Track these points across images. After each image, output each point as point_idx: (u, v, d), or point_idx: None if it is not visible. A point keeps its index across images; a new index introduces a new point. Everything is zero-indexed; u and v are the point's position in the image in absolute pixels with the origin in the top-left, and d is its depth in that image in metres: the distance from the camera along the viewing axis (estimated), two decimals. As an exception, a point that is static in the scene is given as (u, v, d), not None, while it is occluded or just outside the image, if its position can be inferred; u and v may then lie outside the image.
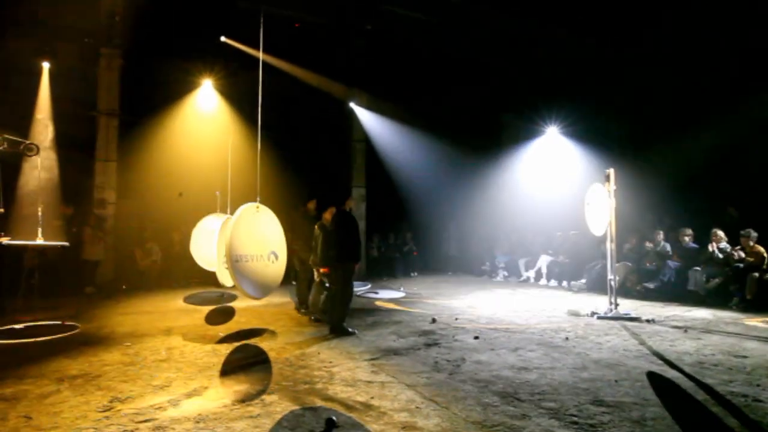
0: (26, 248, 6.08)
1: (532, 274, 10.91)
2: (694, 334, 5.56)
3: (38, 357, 4.42)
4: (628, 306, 7.21)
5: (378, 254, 11.70)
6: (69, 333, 5.42)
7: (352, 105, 11.49)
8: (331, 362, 4.35)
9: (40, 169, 7.38)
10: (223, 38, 9.54)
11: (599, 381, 3.83)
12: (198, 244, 7.18)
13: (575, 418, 3.10)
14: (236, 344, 5.04)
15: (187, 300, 7.82)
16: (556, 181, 11.80)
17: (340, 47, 11.47)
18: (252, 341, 5.19)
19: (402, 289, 9.37)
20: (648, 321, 6.24)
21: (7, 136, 5.82)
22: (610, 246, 6.76)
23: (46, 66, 9.06)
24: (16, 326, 5.51)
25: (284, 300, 7.79)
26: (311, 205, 6.64)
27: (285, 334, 5.51)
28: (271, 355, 4.64)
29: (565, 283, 10.03)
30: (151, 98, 10.31)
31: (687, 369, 4.16)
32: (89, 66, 9.72)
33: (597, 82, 10.92)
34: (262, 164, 6.06)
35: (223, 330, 5.69)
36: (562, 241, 10.68)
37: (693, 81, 9.41)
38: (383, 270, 11.43)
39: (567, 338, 5.34)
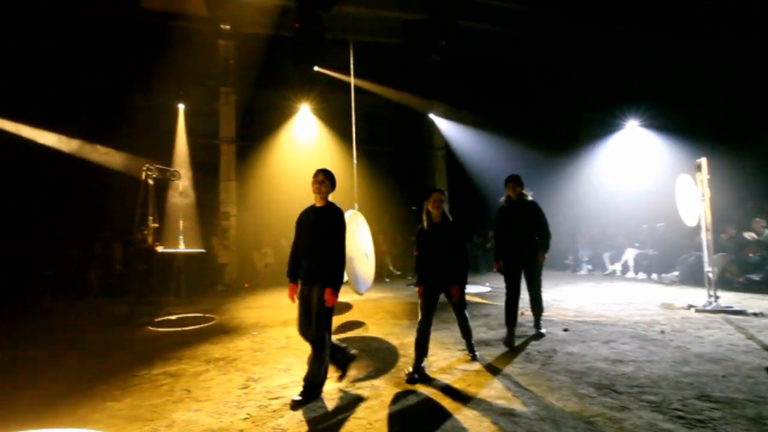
0: (175, 254, 6.90)
1: (618, 267, 10.05)
2: (813, 328, 4.76)
3: (190, 342, 5.00)
4: (729, 299, 6.36)
5: (462, 252, 11.55)
6: (209, 323, 6.05)
7: (431, 116, 11.50)
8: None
9: (182, 190, 8.36)
10: (316, 68, 10.07)
11: (704, 376, 3.43)
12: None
13: (680, 413, 2.81)
14: (343, 335, 5.27)
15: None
16: (638, 174, 10.81)
17: (418, 64, 11.53)
18: (356, 332, 5.39)
19: (487, 284, 9.13)
20: (755, 314, 5.46)
21: (158, 165, 6.69)
22: (705, 237, 6.02)
23: (181, 107, 10.23)
24: (171, 317, 6.28)
25: (378, 296, 7.97)
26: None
27: (383, 326, 5.64)
28: (374, 344, 4.79)
29: (654, 276, 9.10)
30: (260, 124, 11.18)
31: (808, 366, 3.58)
32: (211, 103, 10.79)
33: (677, 73, 9.83)
34: (356, 174, 6.28)
35: (330, 322, 5.97)
36: (649, 233, 9.71)
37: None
38: (469, 266, 11.26)
39: (663, 331, 4.85)
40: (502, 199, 4.80)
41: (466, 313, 4.02)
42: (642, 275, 9.45)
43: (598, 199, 11.43)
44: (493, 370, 3.78)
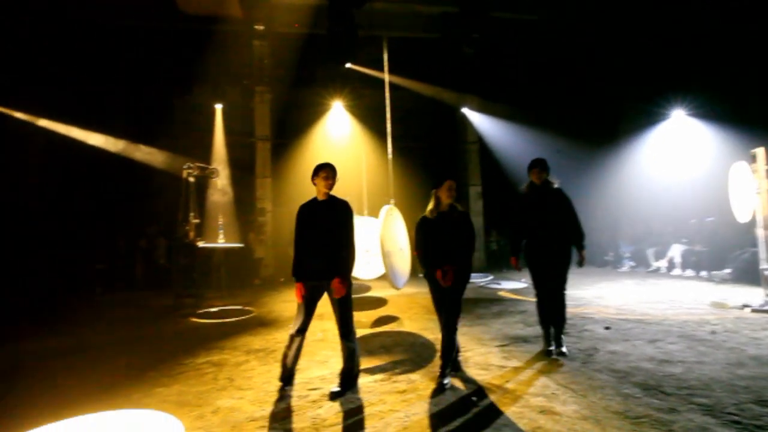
0: (215, 249, 7.15)
1: (663, 263, 9.61)
2: None
3: (230, 334, 5.19)
4: (789, 298, 5.95)
5: (497, 248, 11.38)
6: (248, 316, 6.25)
7: (464, 110, 11.35)
8: (463, 347, 4.35)
9: (220, 188, 8.65)
10: (348, 64, 10.14)
11: (762, 379, 3.24)
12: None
13: (735, 417, 2.67)
14: (378, 329, 5.32)
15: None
16: (685, 166, 10.29)
17: (450, 58, 11.41)
18: (390, 326, 5.42)
19: (523, 280, 8.96)
20: (819, 315, 5.10)
21: (198, 164, 6.95)
22: (762, 232, 5.66)
23: (218, 107, 10.57)
24: (212, 309, 6.53)
25: (412, 291, 7.97)
26: None
27: (418, 320, 5.65)
28: (409, 339, 4.81)
29: (704, 273, 8.64)
30: (294, 122, 11.39)
31: None
32: (247, 102, 11.07)
33: (727, 58, 9.24)
34: (391, 170, 6.29)
35: (365, 317, 6.04)
36: (698, 228, 9.23)
37: None
38: (503, 262, 11.11)
39: (714, 332, 4.61)
40: (524, 186, 4.17)
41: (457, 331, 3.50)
42: (690, 272, 9.00)
43: (642, 193, 10.96)
44: (531, 367, 3.72)
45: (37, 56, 9.21)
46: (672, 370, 3.50)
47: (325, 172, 3.36)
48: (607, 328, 4.90)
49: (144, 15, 9.62)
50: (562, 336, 4.04)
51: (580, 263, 3.99)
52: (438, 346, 4.41)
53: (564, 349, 3.97)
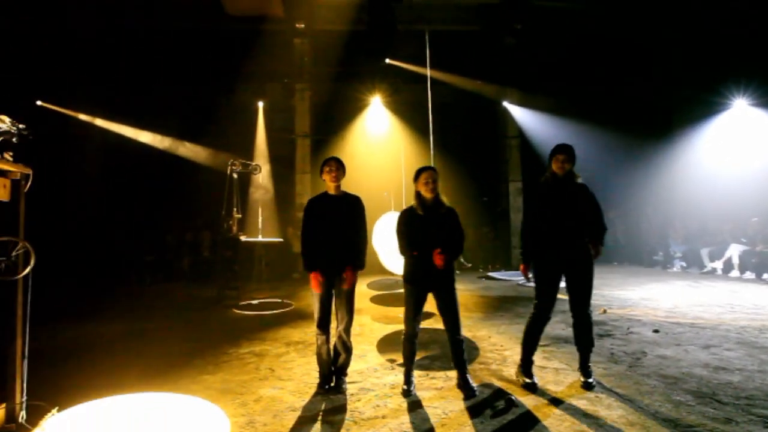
0: (256, 243, 7.39)
1: (719, 265, 9.00)
2: None
3: (271, 325, 5.36)
4: None
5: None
6: (287, 309, 6.41)
7: (504, 103, 11.09)
8: (502, 346, 4.29)
9: (262, 183, 8.91)
10: (387, 60, 10.14)
11: (833, 391, 2.99)
12: (379, 237, 7.66)
13: (802, 431, 2.48)
14: (414, 324, 5.31)
15: (369, 285, 8.52)
16: (746, 160, 9.58)
17: (490, 50, 11.17)
18: (427, 323, 5.40)
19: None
20: None
21: (241, 160, 7.20)
22: (835, 232, 5.18)
23: (260, 105, 10.88)
24: (253, 302, 6.77)
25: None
26: None
27: (454, 317, 5.59)
28: (446, 336, 4.76)
29: (766, 276, 8.03)
30: (333, 118, 11.52)
31: None
32: (287, 99, 11.31)
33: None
34: (434, 165, 6.24)
35: (403, 313, 6.03)
36: (760, 227, 8.58)
37: None
38: (542, 260, 10.80)
39: (777, 339, 4.29)
40: (543, 176, 3.45)
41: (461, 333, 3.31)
42: (750, 275, 8.39)
43: (697, 189, 10.30)
44: (573, 368, 3.60)
45: (94, 60, 9.83)
46: (729, 378, 3.29)
47: (328, 166, 3.34)
48: (655, 331, 4.67)
49: (194, 18, 10.02)
50: (590, 365, 3.32)
51: (594, 255, 3.34)
52: (476, 344, 4.38)
53: (591, 380, 3.22)
